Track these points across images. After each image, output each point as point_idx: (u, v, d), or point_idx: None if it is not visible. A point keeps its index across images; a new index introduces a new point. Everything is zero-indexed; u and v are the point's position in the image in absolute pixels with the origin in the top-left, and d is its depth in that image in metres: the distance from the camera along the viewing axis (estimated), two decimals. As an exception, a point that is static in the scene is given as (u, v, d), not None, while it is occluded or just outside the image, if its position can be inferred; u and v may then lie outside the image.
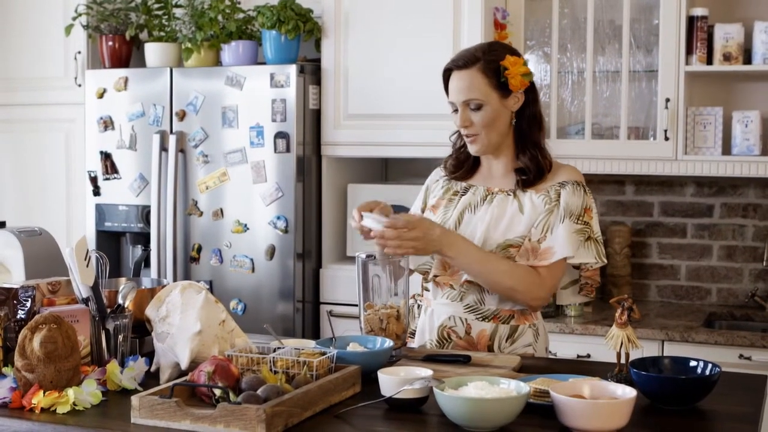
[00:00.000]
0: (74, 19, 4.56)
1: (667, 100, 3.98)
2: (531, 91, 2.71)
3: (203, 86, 4.36)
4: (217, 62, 4.45)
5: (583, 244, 2.66)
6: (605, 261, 2.71)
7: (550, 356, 3.77)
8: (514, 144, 2.74)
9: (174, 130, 4.41)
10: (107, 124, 4.53)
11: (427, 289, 2.83)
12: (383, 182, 4.66)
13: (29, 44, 4.82)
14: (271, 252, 4.26)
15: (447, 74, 2.74)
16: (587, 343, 3.87)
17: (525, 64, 2.68)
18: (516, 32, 4.19)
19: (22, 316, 2.42)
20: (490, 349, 2.71)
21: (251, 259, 4.30)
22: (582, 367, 2.67)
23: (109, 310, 2.48)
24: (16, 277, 2.77)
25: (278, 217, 4.23)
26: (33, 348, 2.23)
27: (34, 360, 2.23)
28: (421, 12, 4.15)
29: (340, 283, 4.32)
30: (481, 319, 2.71)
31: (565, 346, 3.87)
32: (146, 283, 2.83)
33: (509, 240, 2.67)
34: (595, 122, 4.22)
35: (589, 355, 3.85)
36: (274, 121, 4.22)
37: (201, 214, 4.37)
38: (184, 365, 2.35)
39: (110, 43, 4.60)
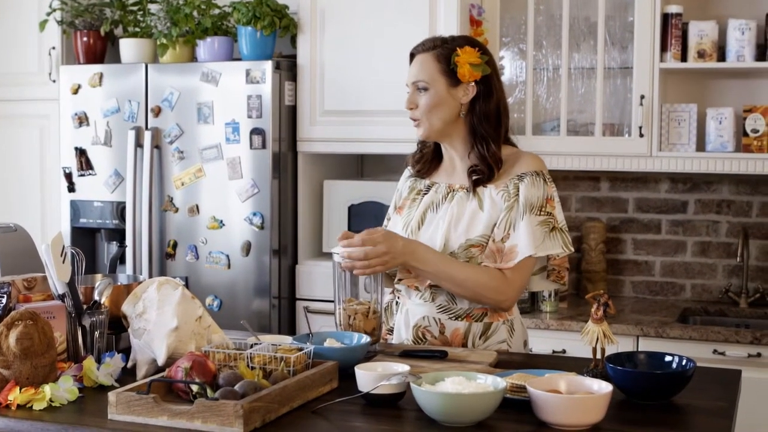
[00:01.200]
0: (48, 14, 4.53)
1: (642, 96, 4.00)
2: (485, 86, 2.69)
3: (178, 82, 4.34)
4: (193, 58, 4.43)
5: (548, 235, 2.64)
6: (572, 249, 2.69)
7: (526, 351, 3.81)
8: (467, 137, 2.71)
9: (149, 126, 4.39)
10: (82, 120, 4.51)
11: (398, 290, 2.82)
12: (359, 178, 4.67)
13: (3, 40, 4.78)
14: (247, 248, 4.25)
15: (411, 59, 2.76)
16: (563, 338, 3.89)
17: (481, 56, 2.66)
18: (492, 29, 4.20)
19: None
20: (465, 346, 2.71)
21: (227, 256, 4.29)
22: (558, 362, 2.68)
23: (85, 307, 2.47)
24: (-10, 274, 2.76)
25: (254, 214, 4.22)
26: (9, 344, 2.22)
27: (10, 356, 2.22)
28: (397, 8, 4.15)
29: (316, 279, 4.32)
30: (454, 318, 2.71)
31: (540, 341, 3.88)
32: (122, 279, 2.81)
33: (470, 240, 2.67)
34: (570, 119, 4.23)
35: (564, 351, 3.86)
36: (249, 117, 4.22)
37: (176, 210, 4.36)
38: (160, 361, 2.35)
39: (85, 38, 4.57)
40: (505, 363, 2.54)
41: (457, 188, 2.73)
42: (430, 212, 2.74)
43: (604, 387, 2.08)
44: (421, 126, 2.70)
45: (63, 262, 2.41)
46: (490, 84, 2.69)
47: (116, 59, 4.58)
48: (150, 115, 4.39)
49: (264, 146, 4.20)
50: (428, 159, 2.81)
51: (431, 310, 2.72)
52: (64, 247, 2.42)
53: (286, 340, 2.52)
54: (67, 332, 2.45)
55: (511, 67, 4.36)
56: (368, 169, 4.77)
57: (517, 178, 2.67)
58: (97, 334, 2.45)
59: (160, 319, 2.39)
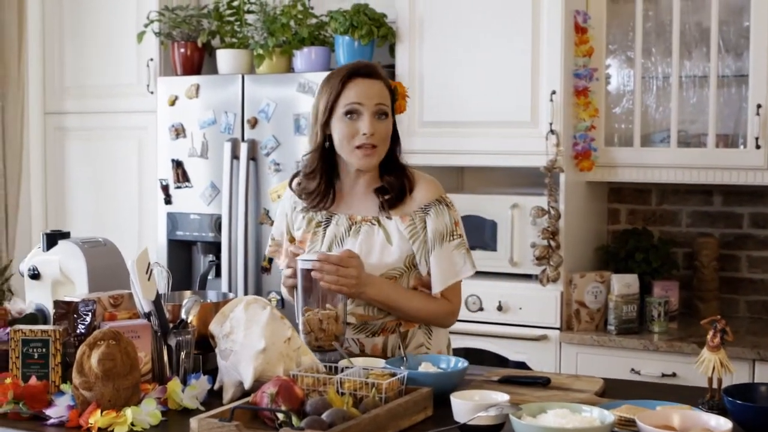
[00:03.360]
0: (146, 26, 4.51)
1: (759, 106, 3.78)
2: (393, 116, 2.70)
3: (275, 93, 4.27)
4: (290, 69, 4.36)
5: (466, 255, 2.69)
6: (476, 267, 2.73)
7: (633, 374, 3.62)
8: (383, 169, 2.69)
9: (245, 138, 4.33)
10: (179, 131, 4.47)
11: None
12: (459, 192, 4.51)
13: (102, 51, 4.79)
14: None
15: (345, 81, 2.63)
16: (673, 361, 3.69)
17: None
18: (597, 36, 4.02)
19: (82, 331, 2.34)
20: (385, 359, 2.61)
21: (323, 270, 4.18)
22: (669, 391, 2.50)
23: (171, 326, 2.39)
24: (79, 290, 2.69)
25: (351, 227, 4.12)
26: (91, 365, 2.14)
27: (92, 377, 2.14)
28: (499, 16, 4.00)
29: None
30: (370, 335, 2.69)
31: (649, 364, 3.70)
32: (211, 296, 2.73)
33: (384, 273, 2.65)
34: (682, 129, 4.02)
35: (674, 374, 3.66)
36: (347, 128, 4.11)
37: (272, 223, 4.27)
38: (247, 385, 2.25)
39: (182, 50, 4.54)
40: (612, 392, 2.37)
41: (359, 220, 2.70)
42: (336, 246, 2.69)
43: (723, 424, 1.91)
44: (376, 155, 2.64)
45: (149, 279, 2.33)
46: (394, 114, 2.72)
47: (213, 70, 4.53)
48: (246, 126, 4.33)
49: (361, 158, 4.09)
50: (323, 193, 2.72)
51: (348, 333, 2.66)
52: (150, 263, 2.34)
53: (379, 363, 2.40)
54: (152, 352, 2.37)
55: (618, 76, 4.17)
56: (469, 182, 4.61)
57: (421, 211, 2.68)
58: (183, 354, 2.36)
59: (248, 341, 2.28)
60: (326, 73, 4.12)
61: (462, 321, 4.03)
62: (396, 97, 2.71)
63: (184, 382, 2.30)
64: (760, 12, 3.78)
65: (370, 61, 2.75)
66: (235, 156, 4.31)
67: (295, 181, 2.79)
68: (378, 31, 4.14)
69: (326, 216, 2.73)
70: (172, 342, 2.35)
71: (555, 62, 3.90)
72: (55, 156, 5.01)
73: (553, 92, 3.87)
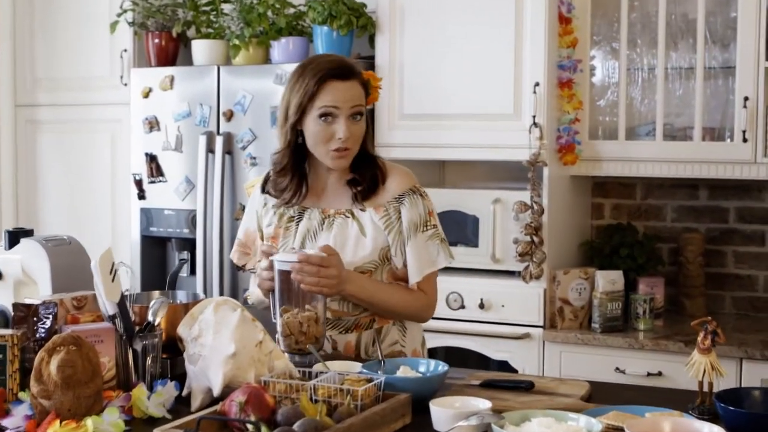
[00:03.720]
0: (119, 15, 4.39)
1: (746, 98, 3.69)
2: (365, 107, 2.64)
3: (252, 85, 4.15)
4: (267, 60, 4.24)
5: (441, 246, 2.64)
6: (454, 258, 2.70)
7: (618, 374, 3.53)
8: (356, 160, 2.64)
9: (221, 131, 4.21)
10: (152, 124, 4.35)
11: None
12: (440, 186, 4.40)
13: (74, 42, 4.67)
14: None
15: (321, 82, 2.54)
16: (658, 359, 3.60)
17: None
18: (582, 26, 3.92)
19: (42, 336, 2.22)
20: (358, 356, 2.63)
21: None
22: (658, 394, 2.41)
23: (137, 329, 2.28)
24: (42, 291, 2.58)
25: (329, 223, 4.01)
26: (50, 372, 2.03)
27: (50, 385, 2.03)
28: (481, 6, 3.89)
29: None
30: (344, 332, 2.64)
31: (634, 362, 3.61)
32: (181, 297, 2.62)
33: (358, 266, 2.60)
34: (667, 122, 3.93)
35: (660, 373, 3.58)
36: (325, 121, 4.01)
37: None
38: (216, 391, 2.14)
39: (156, 40, 4.42)
40: (598, 395, 2.28)
41: (332, 213, 2.65)
42: (309, 241, 2.63)
43: (715, 431, 1.81)
44: (349, 157, 2.60)
45: (113, 280, 2.22)
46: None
47: (188, 61, 4.41)
48: (222, 119, 4.21)
49: (339, 152, 3.99)
50: (296, 188, 2.65)
51: None
52: (114, 263, 2.23)
53: (356, 367, 2.30)
54: (117, 357, 2.26)
55: (602, 68, 4.07)
56: (451, 176, 4.51)
57: (396, 201, 2.63)
58: (149, 359, 2.25)
59: (217, 345, 2.18)
60: (303, 65, 4.07)
61: (443, 319, 3.95)
62: (369, 90, 2.63)
63: (151, 389, 2.20)
64: (747, 2, 3.69)
65: (346, 59, 2.68)
66: (210, 150, 4.20)
67: (272, 184, 2.73)
68: (357, 21, 4.03)
69: (298, 211, 2.67)
70: (138, 346, 2.24)
71: (538, 53, 3.80)
72: (27, 149, 4.88)
73: (537, 84, 3.78)
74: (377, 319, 2.65)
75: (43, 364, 2.05)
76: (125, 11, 4.38)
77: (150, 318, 2.30)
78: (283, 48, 4.17)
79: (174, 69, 4.35)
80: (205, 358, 2.19)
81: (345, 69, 2.57)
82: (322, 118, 2.53)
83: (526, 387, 2.27)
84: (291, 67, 4.02)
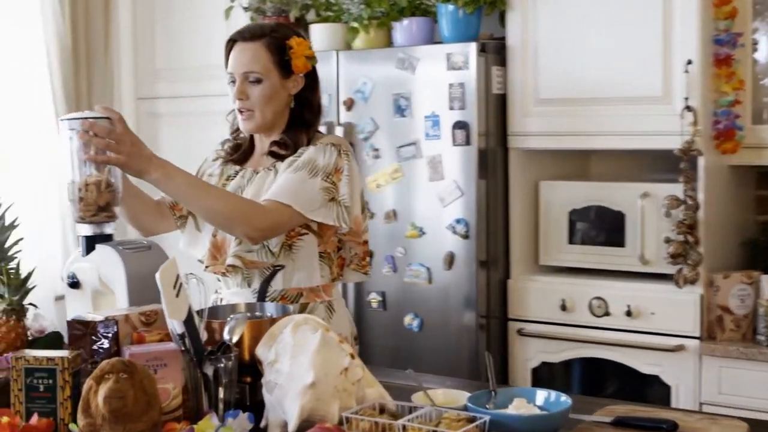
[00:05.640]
0: (233, 0, 4.12)
1: None
2: (311, 77, 2.67)
3: (373, 71, 3.82)
4: (389, 43, 3.90)
5: (326, 203, 2.54)
6: (346, 226, 2.56)
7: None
8: (286, 126, 2.65)
9: (341, 121, 3.90)
10: (271, 116, 4.07)
11: (219, 280, 2.68)
12: (585, 179, 3.97)
13: (191, 32, 4.44)
14: (450, 260, 3.68)
15: (230, 45, 2.65)
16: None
17: (310, 47, 2.64)
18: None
19: (101, 357, 1.93)
20: None
21: (428, 269, 3.74)
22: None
23: (210, 349, 1.97)
24: (119, 302, 2.31)
25: (457, 221, 3.65)
26: (98, 403, 1.74)
27: (98, 419, 1.74)
28: (625, -25, 3.46)
29: (530, 296, 3.71)
30: (270, 301, 2.48)
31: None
32: (270, 310, 2.29)
33: None
34: None
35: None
36: (451, 108, 3.65)
37: (372, 215, 3.85)
38: (291, 427, 1.81)
39: (274, 25, 4.13)
40: (760, 437, 1.85)
41: (260, 170, 2.65)
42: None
43: None
44: (253, 119, 2.61)
45: (177, 295, 1.91)
46: (315, 75, 2.68)
47: (309, 47, 4.11)
48: (342, 108, 3.90)
49: (468, 142, 3.62)
50: (245, 150, 2.71)
51: (247, 297, 2.57)
52: (178, 276, 1.92)
53: (462, 397, 1.94)
54: (188, 382, 1.96)
55: (767, 41, 3.57)
56: (597, 168, 4.07)
57: (312, 146, 2.61)
58: (222, 385, 1.94)
59: (294, 372, 1.85)
60: (429, 47, 3.72)
61: (584, 327, 3.57)
62: (287, 56, 2.58)
63: (224, 420, 1.89)
64: None
65: (267, 23, 2.81)
66: (330, 141, 3.90)
67: (226, 142, 2.80)
68: (484, -3, 3.65)
69: (236, 171, 2.70)
70: (209, 370, 1.93)
71: (691, 27, 3.35)
72: (148, 143, 4.67)
73: (689, 62, 3.32)
74: (305, 293, 2.58)
75: (91, 393, 1.76)
76: (240, -5, 4.12)
77: (226, 336, 1.99)
78: (405, 30, 3.82)
79: (292, 55, 4.06)
80: (282, 386, 1.86)
81: (246, 32, 2.63)
82: (230, 83, 2.63)
83: (669, 428, 1.86)
84: (413, 51, 3.72)
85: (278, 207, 2.49)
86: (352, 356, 1.91)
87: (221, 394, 1.94)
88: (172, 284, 1.91)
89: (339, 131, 3.86)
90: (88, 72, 4.52)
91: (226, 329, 2.00)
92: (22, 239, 2.39)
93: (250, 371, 2.05)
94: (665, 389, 3.44)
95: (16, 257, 2.35)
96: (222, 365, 1.95)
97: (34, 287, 2.23)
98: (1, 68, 4.21)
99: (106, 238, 2.41)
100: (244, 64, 2.59)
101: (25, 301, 2.23)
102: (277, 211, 2.49)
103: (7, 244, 2.34)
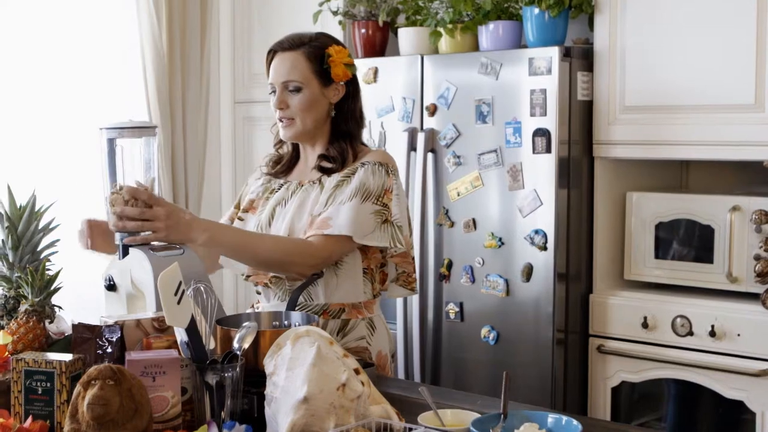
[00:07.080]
0: (321, 4, 4.09)
1: None
2: (352, 85, 2.66)
3: (456, 76, 3.73)
4: (476, 47, 3.80)
5: (380, 226, 2.52)
6: (401, 246, 2.53)
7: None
8: (330, 136, 2.64)
9: (424, 127, 3.82)
10: (358, 120, 4.02)
11: (258, 293, 2.70)
12: (678, 191, 3.78)
13: (275, 35, 4.41)
14: (529, 272, 3.55)
15: (270, 56, 2.67)
16: None
17: (349, 56, 2.63)
18: None
19: (105, 363, 1.90)
20: None
21: (506, 280, 3.61)
22: None
23: (215, 358, 1.92)
24: (148, 306, 2.29)
25: (536, 231, 3.52)
26: (83, 410, 1.71)
27: (83, 425, 1.71)
28: (719, -22, 3.27)
29: (613, 312, 3.54)
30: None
31: None
32: (296, 319, 2.23)
33: None
34: None
35: None
36: (533, 115, 3.52)
37: (452, 224, 3.75)
38: (282, 444, 1.74)
39: (363, 30, 4.08)
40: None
41: (306, 183, 2.65)
42: (279, 207, 2.64)
43: None
44: (293, 127, 2.62)
45: (179, 302, 1.87)
46: (356, 84, 2.68)
47: (397, 52, 4.04)
48: (425, 114, 3.82)
49: (548, 150, 3.49)
50: (288, 161, 2.73)
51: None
52: (180, 282, 1.88)
53: (469, 418, 1.84)
54: (194, 391, 1.92)
55: None
56: (694, 179, 3.86)
57: (360, 165, 2.58)
58: (226, 394, 1.88)
59: (288, 386, 1.78)
60: (515, 52, 3.60)
61: (666, 346, 3.39)
62: (326, 64, 2.58)
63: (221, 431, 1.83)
64: None
65: (306, 33, 2.68)
66: (412, 147, 3.82)
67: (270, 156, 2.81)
68: (570, 1, 3.50)
69: (280, 184, 2.70)
70: (211, 380, 1.89)
71: (785, 31, 3.14)
72: (245, 146, 4.72)
73: (783, 68, 3.12)
74: (347, 309, 2.57)
75: (79, 399, 1.73)
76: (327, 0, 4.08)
77: (235, 345, 1.94)
78: (491, 33, 3.71)
79: (378, 60, 4.00)
80: (277, 400, 1.80)
81: (285, 42, 2.63)
82: (271, 93, 2.65)
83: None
84: (500, 55, 3.61)
85: (334, 240, 2.48)
86: (357, 371, 1.83)
87: (227, 404, 1.89)
88: (173, 291, 1.87)
89: (421, 138, 3.78)
90: (183, 77, 4.55)
91: (237, 337, 1.95)
92: (58, 240, 2.39)
93: (259, 382, 1.99)
94: (751, 415, 3.23)
95: (50, 260, 2.34)
96: (224, 375, 1.90)
97: (59, 288, 2.22)
98: (97, 72, 4.27)
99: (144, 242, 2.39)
100: (283, 73, 2.60)
101: (52, 302, 2.22)
102: (332, 243, 2.49)
103: (41, 247, 2.34)
